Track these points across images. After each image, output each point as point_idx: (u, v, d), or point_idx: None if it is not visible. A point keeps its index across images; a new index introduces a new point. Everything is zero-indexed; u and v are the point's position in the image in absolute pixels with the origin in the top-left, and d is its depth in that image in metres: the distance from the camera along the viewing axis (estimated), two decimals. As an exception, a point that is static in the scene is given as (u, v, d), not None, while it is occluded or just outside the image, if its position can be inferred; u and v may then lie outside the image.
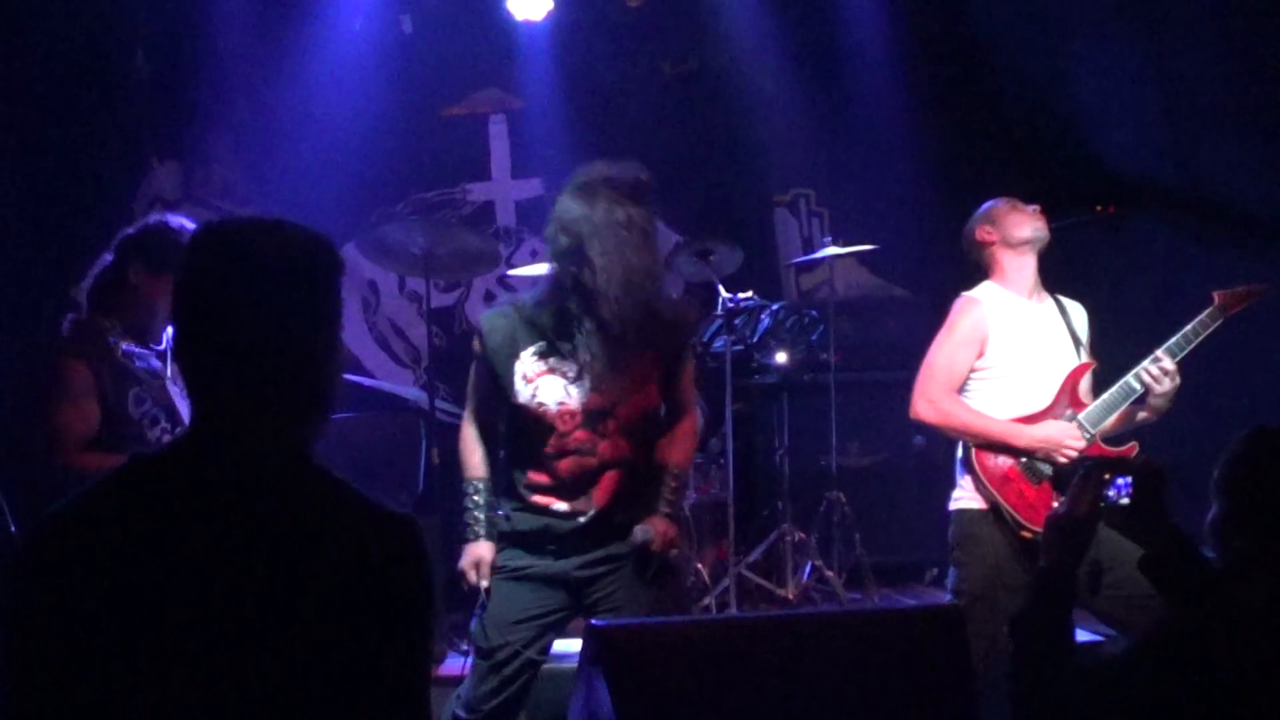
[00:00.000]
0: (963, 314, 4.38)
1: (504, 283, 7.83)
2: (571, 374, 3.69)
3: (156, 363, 4.17)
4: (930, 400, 4.32)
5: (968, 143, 7.77)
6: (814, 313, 6.94)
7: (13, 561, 1.82)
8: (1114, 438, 4.31)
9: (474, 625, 3.75)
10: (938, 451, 6.45)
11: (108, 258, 4.20)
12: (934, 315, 4.64)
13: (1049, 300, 4.46)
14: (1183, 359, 4.23)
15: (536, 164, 8.18)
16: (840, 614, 4.67)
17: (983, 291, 4.43)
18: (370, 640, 1.80)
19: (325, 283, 1.94)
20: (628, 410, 3.72)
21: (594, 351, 3.66)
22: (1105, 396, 4.28)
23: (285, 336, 1.87)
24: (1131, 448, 4.27)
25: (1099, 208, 6.64)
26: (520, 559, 3.75)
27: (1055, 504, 3.70)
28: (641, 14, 7.98)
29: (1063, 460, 4.18)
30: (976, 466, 4.25)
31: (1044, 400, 4.30)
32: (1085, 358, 4.41)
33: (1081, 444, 4.21)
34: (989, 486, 4.23)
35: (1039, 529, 3.69)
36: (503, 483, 3.84)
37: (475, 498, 3.80)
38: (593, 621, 3.25)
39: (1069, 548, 2.60)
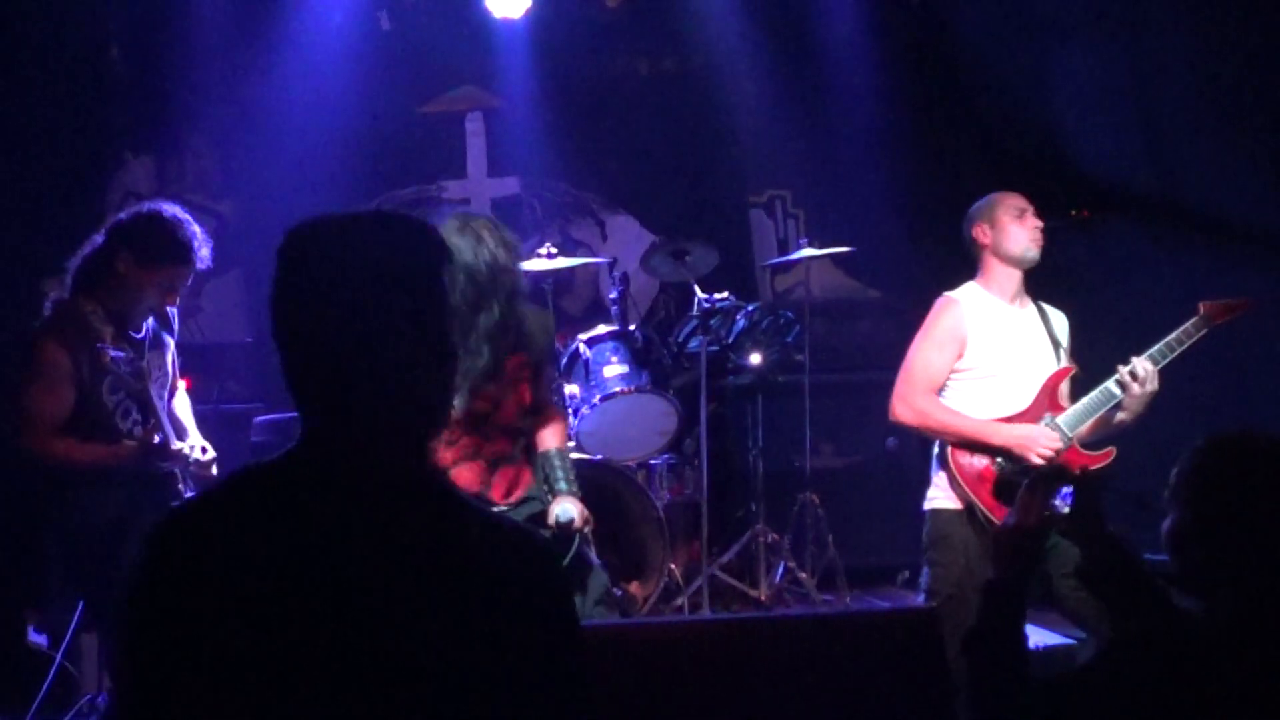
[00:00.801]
0: (941, 315, 4.37)
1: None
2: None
3: (140, 364, 4.10)
4: (907, 401, 4.32)
5: (944, 146, 7.77)
6: (789, 314, 6.92)
7: (131, 572, 1.69)
8: (1092, 443, 4.31)
9: None
10: (911, 453, 6.46)
11: (98, 240, 4.10)
12: (908, 318, 4.64)
13: (1031, 306, 4.45)
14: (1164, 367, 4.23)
15: (513, 162, 8.17)
16: (817, 616, 4.66)
17: (964, 293, 4.42)
18: (529, 665, 1.68)
19: (426, 279, 1.76)
20: (505, 412, 3.94)
21: (470, 360, 3.82)
22: (1084, 401, 4.27)
23: (388, 340, 1.71)
24: (1109, 453, 4.28)
25: (1074, 212, 6.65)
26: None
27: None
28: (620, 14, 7.98)
29: (1037, 461, 4.13)
30: (952, 465, 4.25)
31: (1023, 403, 4.30)
32: (1066, 363, 4.41)
33: (1058, 445, 4.20)
34: (963, 485, 4.23)
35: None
36: None
37: None
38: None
39: (1020, 559, 2.59)
